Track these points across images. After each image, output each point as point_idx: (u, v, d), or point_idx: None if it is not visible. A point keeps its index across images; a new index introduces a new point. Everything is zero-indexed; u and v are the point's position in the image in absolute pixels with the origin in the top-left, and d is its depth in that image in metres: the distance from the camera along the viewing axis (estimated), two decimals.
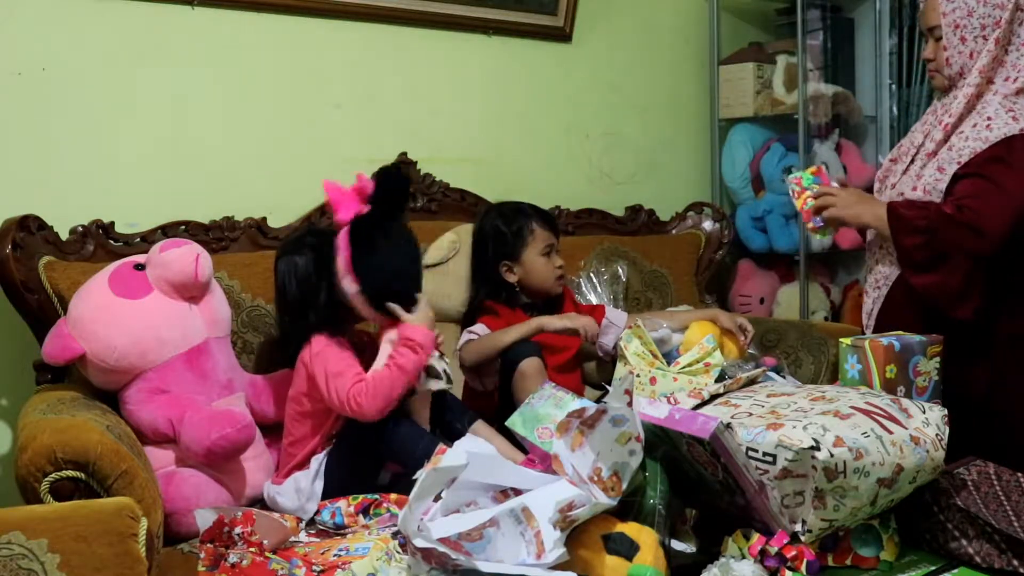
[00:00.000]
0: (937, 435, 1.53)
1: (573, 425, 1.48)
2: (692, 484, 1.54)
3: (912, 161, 2.17)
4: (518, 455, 1.90)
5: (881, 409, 1.54)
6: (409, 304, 2.00)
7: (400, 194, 2.09)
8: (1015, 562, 1.46)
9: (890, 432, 1.49)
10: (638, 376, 2.08)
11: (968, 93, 2.06)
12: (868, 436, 1.47)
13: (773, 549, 1.43)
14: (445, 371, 2.03)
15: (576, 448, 1.48)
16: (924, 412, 1.56)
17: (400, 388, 1.91)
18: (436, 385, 2.01)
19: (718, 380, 2.05)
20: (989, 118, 2.04)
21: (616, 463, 1.45)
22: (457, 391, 2.30)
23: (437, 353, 2.03)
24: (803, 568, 1.43)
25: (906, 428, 1.51)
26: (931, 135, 2.14)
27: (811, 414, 1.52)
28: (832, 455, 1.42)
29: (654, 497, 1.47)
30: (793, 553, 1.43)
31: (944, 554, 1.53)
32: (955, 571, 1.49)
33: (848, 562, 1.51)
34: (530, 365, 2.17)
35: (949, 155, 2.07)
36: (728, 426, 1.45)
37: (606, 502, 1.42)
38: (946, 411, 1.59)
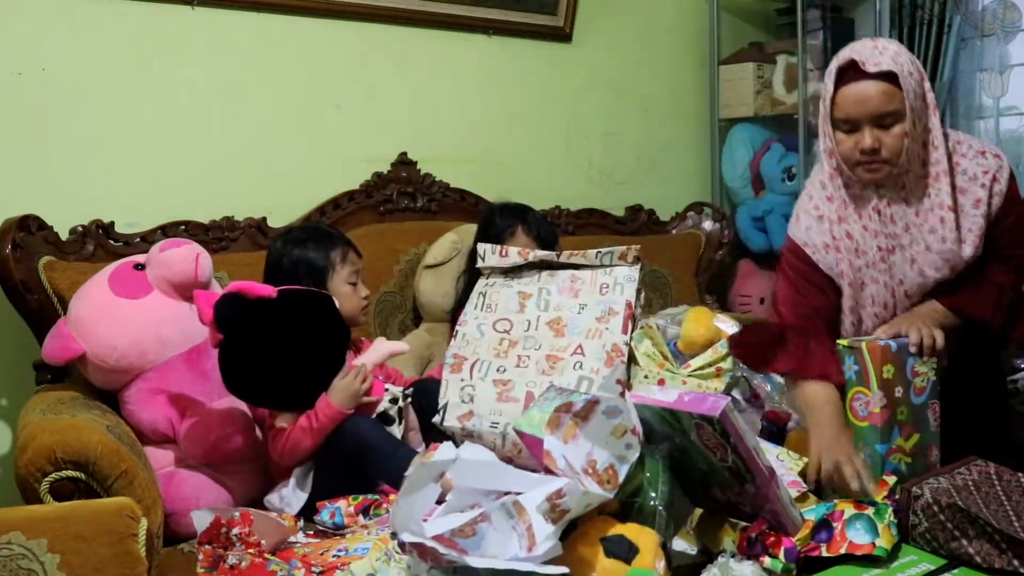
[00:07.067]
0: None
1: (564, 419, 1.46)
2: (703, 477, 1.52)
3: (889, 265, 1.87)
4: None
5: None
6: (285, 405, 1.94)
7: (241, 318, 1.86)
8: (1015, 562, 1.46)
9: None
10: (647, 377, 2.07)
11: (950, 179, 1.79)
12: None
13: (753, 535, 1.45)
14: (399, 411, 2.00)
15: (569, 440, 1.45)
16: None
17: (303, 447, 1.92)
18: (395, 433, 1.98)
19: (727, 389, 2.05)
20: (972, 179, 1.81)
21: (612, 455, 1.43)
22: None
23: (388, 398, 1.99)
24: (781, 555, 1.44)
25: None
26: (914, 229, 1.82)
27: None
28: None
29: (655, 498, 1.46)
30: (772, 539, 1.45)
31: (944, 554, 1.53)
32: (955, 571, 1.49)
33: (843, 551, 1.50)
34: None
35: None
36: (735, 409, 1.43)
37: (599, 493, 1.40)
38: None
